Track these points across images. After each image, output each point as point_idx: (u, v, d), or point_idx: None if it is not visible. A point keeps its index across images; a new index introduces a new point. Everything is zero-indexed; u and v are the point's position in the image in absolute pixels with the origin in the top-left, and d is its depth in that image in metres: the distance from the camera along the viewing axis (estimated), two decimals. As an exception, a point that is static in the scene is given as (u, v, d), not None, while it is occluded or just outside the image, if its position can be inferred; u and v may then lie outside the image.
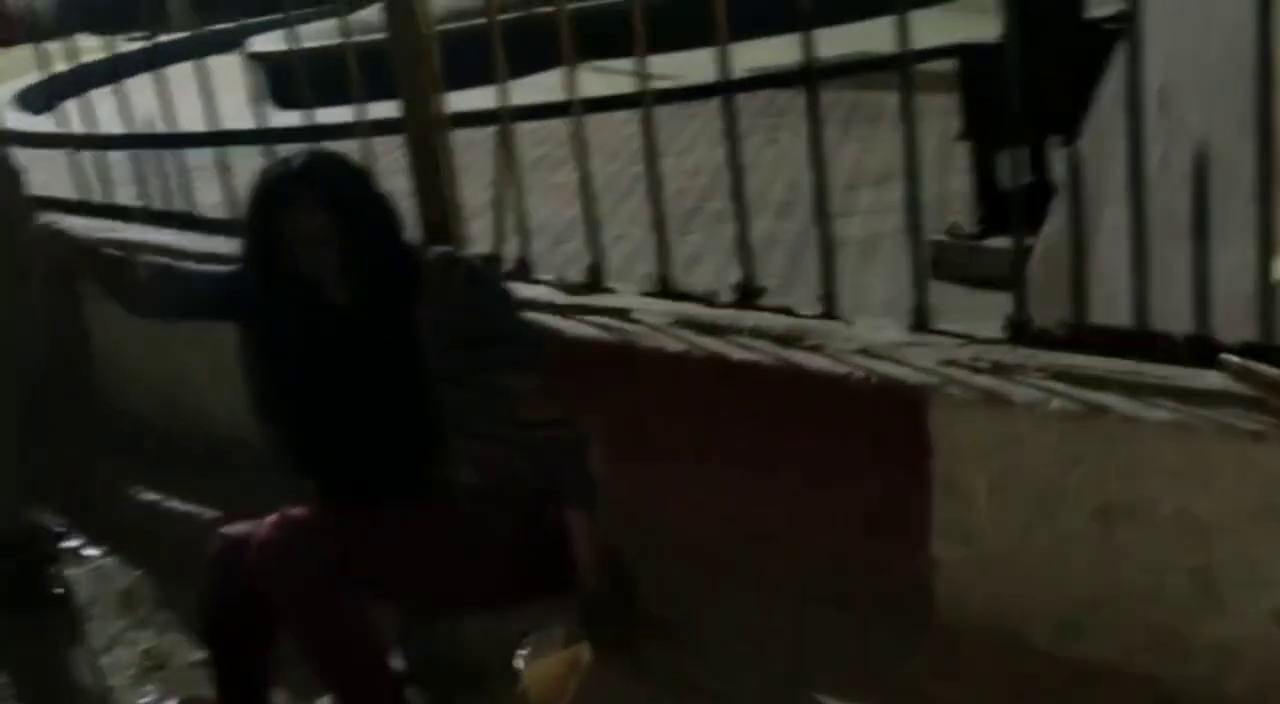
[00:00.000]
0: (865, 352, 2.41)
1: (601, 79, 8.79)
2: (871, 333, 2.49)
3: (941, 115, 7.37)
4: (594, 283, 2.88)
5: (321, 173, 2.23)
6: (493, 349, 2.21)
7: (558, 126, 8.67)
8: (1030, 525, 2.19)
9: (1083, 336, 2.25)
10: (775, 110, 7.93)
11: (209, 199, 3.83)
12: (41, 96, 3.66)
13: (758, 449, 2.47)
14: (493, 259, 3.01)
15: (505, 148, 2.94)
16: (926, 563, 2.30)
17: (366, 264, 2.20)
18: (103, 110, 3.85)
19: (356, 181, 2.29)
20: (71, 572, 3.29)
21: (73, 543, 3.42)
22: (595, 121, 8.68)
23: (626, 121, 8.44)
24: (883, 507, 2.35)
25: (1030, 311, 2.34)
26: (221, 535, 2.35)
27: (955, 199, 5.48)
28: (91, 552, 3.38)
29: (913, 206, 2.47)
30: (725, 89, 2.65)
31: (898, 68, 2.37)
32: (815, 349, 2.46)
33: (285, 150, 2.35)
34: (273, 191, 2.20)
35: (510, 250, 3.13)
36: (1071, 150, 2.84)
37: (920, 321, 2.43)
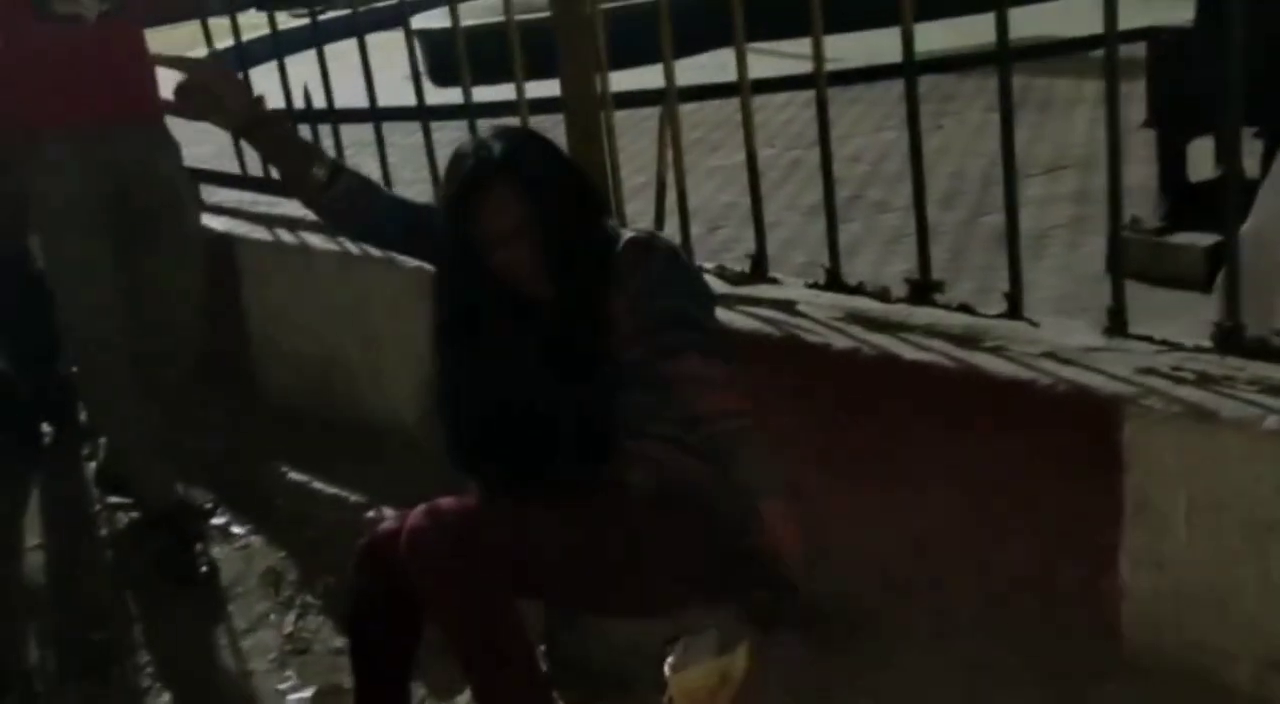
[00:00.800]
0: (1053, 356, 2.23)
1: (762, 61, 8.67)
2: (1060, 335, 2.30)
3: (1120, 102, 7.06)
4: (758, 272, 2.73)
5: (522, 159, 2.08)
6: (681, 332, 2.05)
7: (715, 109, 8.57)
8: (1235, 555, 1.98)
9: (1303, 348, 2.03)
10: (940, 95, 7.65)
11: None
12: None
13: (931, 457, 2.31)
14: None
15: (670, 128, 2.81)
16: (1115, 592, 2.11)
17: (569, 261, 2.08)
18: (265, 86, 3.84)
19: (559, 167, 2.15)
20: (219, 550, 3.30)
21: (221, 521, 3.42)
22: (755, 103, 8.57)
23: (784, 105, 8.36)
24: (1067, 527, 2.17)
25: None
26: (372, 525, 2.27)
27: (1135, 192, 5.19)
28: (239, 531, 3.38)
29: (1113, 201, 2.26)
30: (899, 72, 2.46)
31: (1104, 49, 2.16)
32: (997, 351, 2.28)
33: (483, 128, 2.20)
34: (472, 181, 2.06)
35: (668, 234, 3.01)
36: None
37: (1116, 324, 2.23)
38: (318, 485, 3.40)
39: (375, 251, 3.47)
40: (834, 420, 2.44)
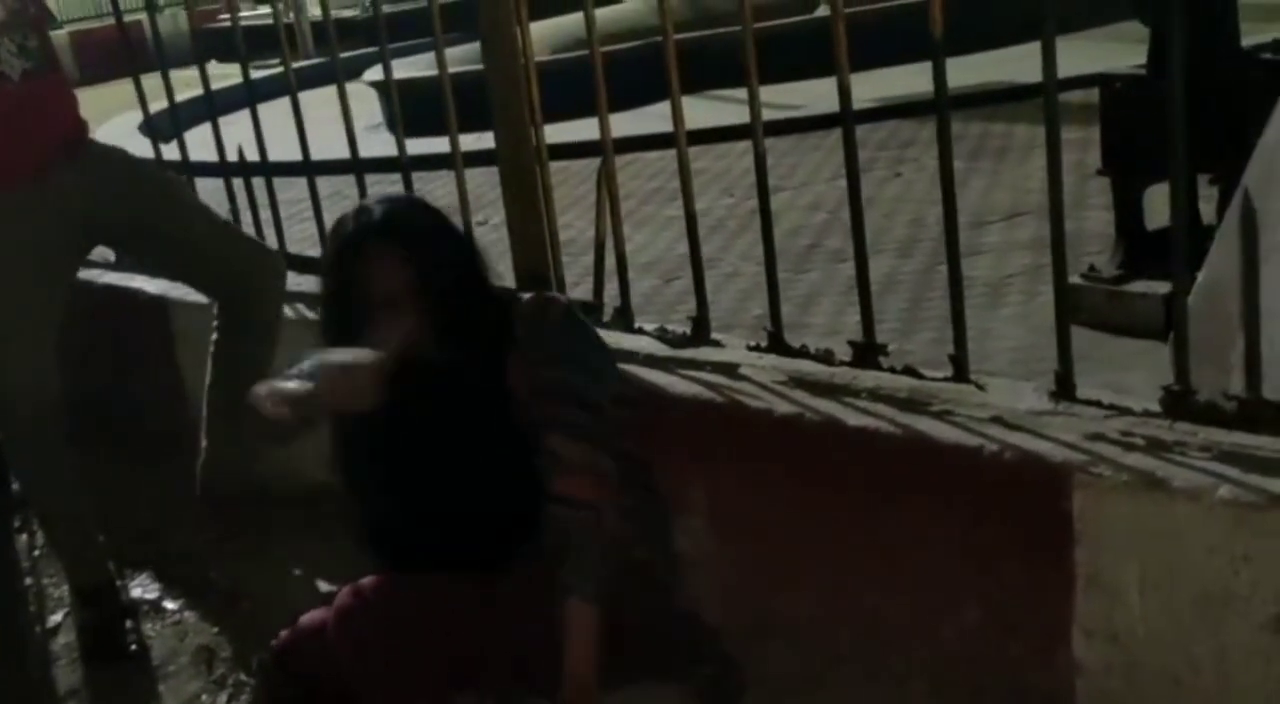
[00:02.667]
0: (1000, 421, 2.15)
1: (718, 108, 8.64)
2: (1007, 398, 2.22)
3: (1075, 148, 7.04)
4: (699, 334, 2.65)
5: (403, 222, 2.04)
6: (556, 406, 2.00)
7: (675, 157, 8.52)
8: (1190, 631, 1.90)
9: (1255, 412, 1.96)
10: (899, 142, 7.63)
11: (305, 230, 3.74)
12: (168, 124, 3.69)
13: (876, 527, 2.22)
14: (592, 307, 2.80)
15: (606, 184, 2.74)
16: (1067, 666, 2.02)
17: (459, 325, 2.01)
18: (217, 138, 3.77)
19: (442, 230, 2.10)
20: (150, 626, 3.17)
21: (153, 595, 3.30)
22: (713, 153, 8.57)
23: (744, 152, 8.28)
24: (1017, 598, 2.08)
25: (1191, 379, 2.05)
26: (270, 647, 2.18)
27: (1091, 239, 5.15)
28: (171, 605, 3.25)
29: (1058, 255, 2.20)
30: (847, 120, 2.40)
31: (1044, 96, 2.10)
32: (943, 416, 2.20)
33: (372, 193, 2.17)
34: (348, 247, 2.02)
35: (610, 295, 2.94)
36: (1241, 189, 2.54)
37: (1064, 389, 2.16)
38: (254, 555, 3.29)
39: (308, 311, 3.39)
40: (775, 488, 2.35)
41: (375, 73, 9.50)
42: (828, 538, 2.29)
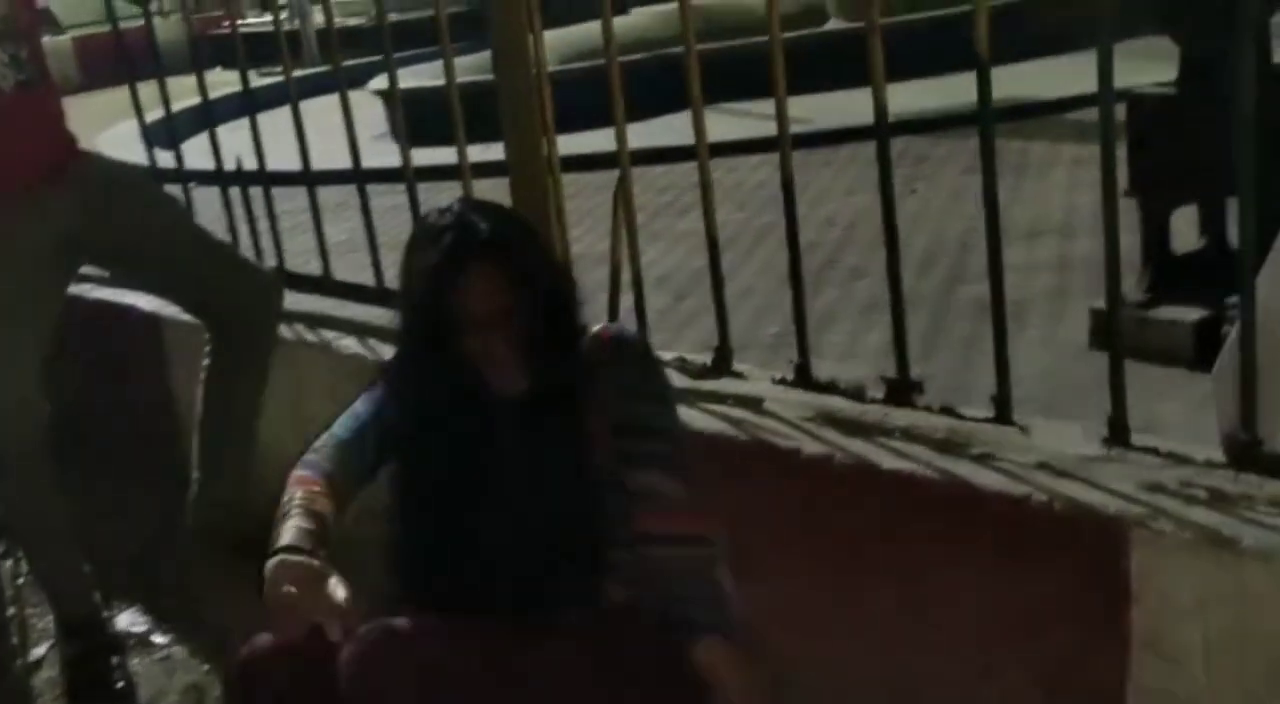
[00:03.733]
0: (1047, 467, 1.99)
1: (734, 122, 8.48)
2: (1054, 442, 2.06)
3: (1093, 165, 6.88)
4: (720, 366, 2.50)
5: (510, 239, 1.84)
6: (646, 442, 1.85)
7: (688, 171, 8.34)
8: (1260, 701, 1.74)
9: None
10: (913, 158, 7.47)
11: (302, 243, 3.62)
12: (166, 132, 3.60)
13: (911, 579, 2.07)
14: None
15: (623, 202, 2.60)
16: (1123, 737, 1.87)
17: (548, 353, 1.84)
18: (214, 146, 3.63)
19: (540, 248, 1.94)
20: (138, 661, 3.03)
21: (141, 629, 3.15)
22: (724, 166, 8.43)
23: (758, 166, 8.15)
24: (1066, 663, 1.92)
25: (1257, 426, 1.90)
26: (248, 649, 1.98)
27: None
28: (160, 640, 3.11)
29: (1112, 285, 2.04)
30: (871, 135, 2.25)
31: (1100, 110, 1.95)
32: (984, 459, 2.05)
33: (447, 200, 1.93)
34: (451, 261, 1.80)
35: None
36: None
37: (1116, 433, 2.00)
38: (247, 590, 3.13)
39: (310, 335, 3.24)
40: (801, 533, 2.19)
41: (380, 82, 9.37)
42: (857, 588, 2.13)
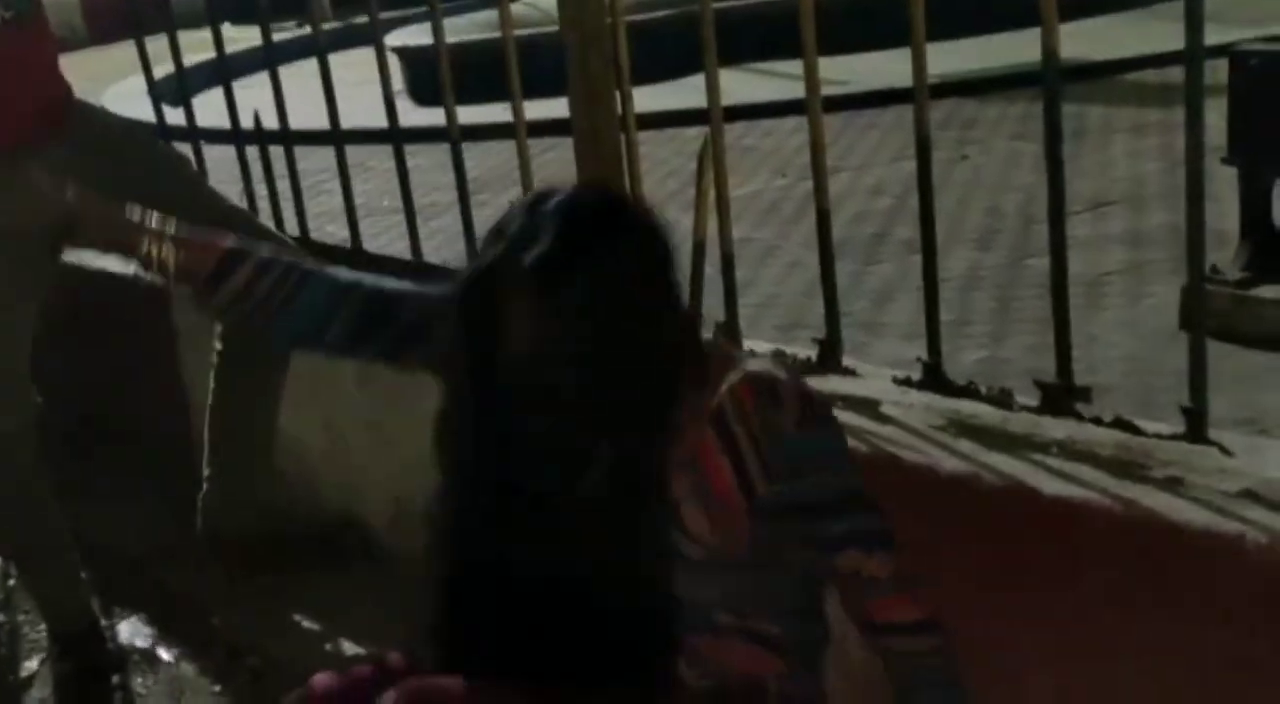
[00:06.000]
0: (1254, 497, 1.63)
1: (756, 82, 8.07)
2: (1255, 464, 1.70)
3: (1156, 131, 6.48)
4: (828, 361, 2.13)
5: (610, 254, 1.40)
6: (840, 522, 1.50)
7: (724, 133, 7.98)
8: None
9: None
10: (961, 122, 7.07)
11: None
12: (174, 89, 3.31)
13: (1084, 627, 1.70)
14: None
15: (711, 167, 2.23)
16: None
17: (633, 397, 1.43)
18: (230, 103, 3.28)
19: (654, 265, 1.46)
20: (140, 681, 2.72)
21: (145, 643, 2.84)
22: (761, 130, 8.00)
23: (794, 131, 7.75)
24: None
25: None
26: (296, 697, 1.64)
27: (1209, 235, 4.64)
28: (166, 656, 2.79)
29: (1195, 263, 1.70)
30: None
31: (1186, 69, 1.60)
32: (1172, 485, 1.68)
33: (541, 186, 1.50)
34: (529, 279, 1.38)
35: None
36: None
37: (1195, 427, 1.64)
38: (264, 602, 2.79)
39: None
40: (942, 569, 1.83)
41: (395, 38, 8.98)
42: (1013, 638, 1.77)
